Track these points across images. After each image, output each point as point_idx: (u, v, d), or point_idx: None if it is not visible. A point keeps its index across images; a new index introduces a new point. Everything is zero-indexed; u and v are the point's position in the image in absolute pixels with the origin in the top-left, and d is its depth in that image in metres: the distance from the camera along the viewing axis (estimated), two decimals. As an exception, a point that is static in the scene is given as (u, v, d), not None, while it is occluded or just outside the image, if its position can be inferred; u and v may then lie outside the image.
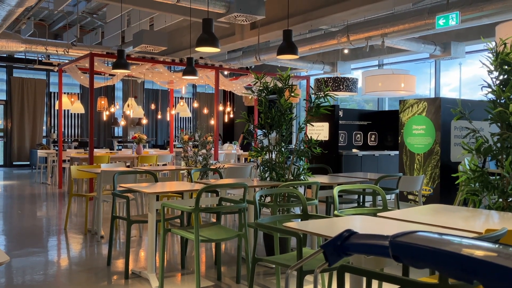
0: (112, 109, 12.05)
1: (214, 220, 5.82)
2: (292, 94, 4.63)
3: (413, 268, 0.91)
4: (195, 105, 12.73)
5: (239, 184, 3.91)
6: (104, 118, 12.69)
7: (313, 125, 5.01)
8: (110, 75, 10.06)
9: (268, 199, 4.67)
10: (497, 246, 0.79)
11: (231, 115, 12.19)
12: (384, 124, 9.85)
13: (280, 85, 4.64)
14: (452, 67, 12.18)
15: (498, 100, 3.06)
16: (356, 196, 6.06)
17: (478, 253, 0.72)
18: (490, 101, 3.08)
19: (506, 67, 3.05)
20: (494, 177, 3.05)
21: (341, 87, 10.06)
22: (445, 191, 6.38)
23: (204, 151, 5.76)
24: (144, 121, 12.43)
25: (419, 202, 5.23)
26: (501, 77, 3.10)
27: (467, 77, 11.61)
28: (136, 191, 4.26)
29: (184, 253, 4.31)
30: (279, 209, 4.33)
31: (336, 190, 3.43)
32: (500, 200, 3.03)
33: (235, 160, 10.20)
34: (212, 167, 5.66)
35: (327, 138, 8.81)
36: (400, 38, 8.34)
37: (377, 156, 9.13)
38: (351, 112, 9.92)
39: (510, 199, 2.97)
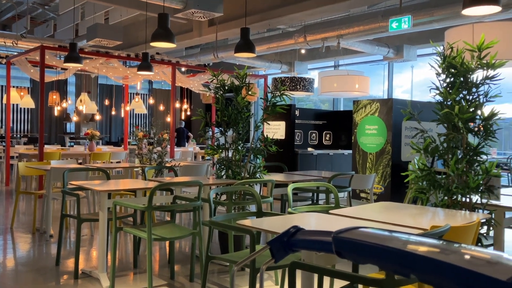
0: (64, 104, 11.65)
1: (169, 219, 5.74)
2: (249, 93, 4.63)
3: (362, 264, 0.93)
4: (151, 101, 12.52)
5: (193, 182, 3.87)
6: (56, 113, 12.25)
7: (269, 124, 5.04)
8: (62, 69, 9.72)
9: (224, 197, 4.66)
10: (433, 241, 0.82)
11: (188, 113, 12.07)
12: (339, 124, 10.06)
13: (237, 83, 4.64)
14: (405, 69, 12.59)
15: (445, 102, 3.19)
16: (310, 194, 6.15)
17: (414, 248, 0.74)
18: (438, 103, 3.20)
19: (452, 70, 3.18)
20: (440, 176, 3.17)
21: (298, 86, 10.17)
22: (396, 189, 6.59)
23: (159, 148, 5.68)
24: (98, 117, 12.10)
25: (370, 200, 5.37)
26: (448, 80, 3.23)
27: (419, 79, 12.05)
28: (87, 189, 4.14)
29: (137, 252, 4.23)
30: (234, 207, 4.33)
31: (290, 188, 3.47)
32: (446, 198, 3.16)
33: (192, 158, 10.12)
34: (167, 165, 5.59)
35: (283, 137, 8.89)
36: (355, 39, 8.52)
37: (331, 155, 9.32)
38: (307, 111, 10.06)
39: (455, 197, 3.10)
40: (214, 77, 4.61)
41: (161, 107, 12.74)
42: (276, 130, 8.96)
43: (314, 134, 9.94)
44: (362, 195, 6.93)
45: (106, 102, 13.11)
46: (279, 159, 8.01)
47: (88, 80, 14.84)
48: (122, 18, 9.55)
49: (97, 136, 8.82)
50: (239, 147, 4.58)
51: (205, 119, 4.50)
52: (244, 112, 4.54)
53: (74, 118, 11.12)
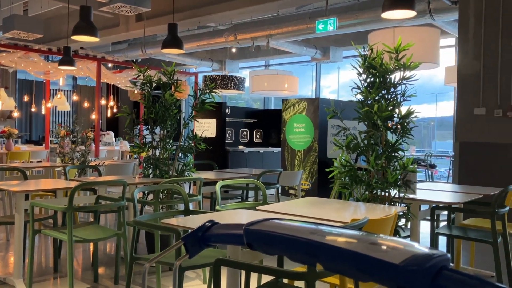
0: (-23, 100, 10.80)
1: (92, 220, 5.53)
2: (177, 89, 4.57)
3: (271, 255, 0.95)
4: (75, 98, 11.97)
5: (117, 181, 3.76)
6: (-32, 110, 11.34)
7: (198, 121, 5.00)
8: (-26, 62, 9.01)
9: (151, 196, 4.57)
10: (340, 231, 0.86)
11: (115, 110, 11.67)
12: (269, 122, 10.21)
13: (164, 79, 4.57)
14: (332, 70, 13.05)
15: (366, 101, 3.33)
16: (240, 192, 6.19)
17: (318, 237, 0.77)
18: (359, 102, 3.34)
19: (372, 70, 3.33)
20: (362, 172, 3.32)
21: (229, 85, 10.18)
22: (322, 185, 6.80)
23: (82, 147, 5.45)
24: (16, 114, 11.37)
25: (298, 196, 5.50)
26: (368, 80, 3.38)
27: (345, 80, 12.55)
28: (2, 190, 3.88)
29: (57, 256, 4.03)
30: (162, 207, 4.26)
31: (218, 186, 3.47)
32: (367, 192, 3.31)
33: (119, 157, 9.81)
34: (91, 164, 5.38)
35: (214, 135, 8.87)
36: (284, 40, 8.69)
37: (261, 152, 9.43)
38: (238, 110, 10.10)
39: (375, 191, 3.25)
40: (140, 73, 4.50)
41: (86, 104, 12.22)
42: (206, 127, 8.92)
43: (245, 132, 10.01)
44: (291, 191, 7.09)
45: (26, 99, 12.34)
46: (210, 157, 7.98)
47: (5, 74, 13.90)
48: (42, 10, 9.04)
49: (15, 134, 8.29)
50: (167, 145, 4.51)
51: (131, 116, 4.39)
52: (173, 109, 4.48)
53: (-11, 115, 10.36)
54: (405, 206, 3.30)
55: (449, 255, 0.76)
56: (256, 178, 4.82)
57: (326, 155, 6.91)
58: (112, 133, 12.12)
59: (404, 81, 3.31)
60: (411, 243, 0.81)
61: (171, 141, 4.63)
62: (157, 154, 4.59)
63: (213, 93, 4.54)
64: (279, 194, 5.47)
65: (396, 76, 3.34)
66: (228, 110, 9.44)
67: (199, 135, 4.59)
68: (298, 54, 10.42)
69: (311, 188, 6.86)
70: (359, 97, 3.37)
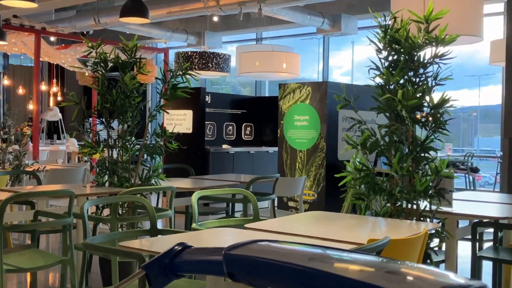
0: None
1: (30, 242, 5.51)
2: (141, 71, 4.57)
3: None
4: (6, 82, 11.91)
5: (62, 192, 3.76)
6: None
7: (168, 113, 5.00)
8: None
9: (107, 212, 4.57)
10: (352, 256, 0.86)
11: (60, 97, 11.64)
12: (262, 114, 10.22)
13: (124, 57, 4.56)
14: (344, 45, 13.10)
15: (387, 86, 3.35)
16: (225, 205, 6.19)
17: (321, 265, 0.77)
18: (378, 87, 3.36)
19: (396, 46, 3.35)
20: (382, 178, 3.33)
21: (209, 65, 10.14)
22: (331, 195, 6.83)
23: (16, 147, 5.43)
24: None
25: (300, 209, 5.52)
26: (390, 58, 3.40)
27: (361, 58, 12.61)
28: None
29: (-17, 290, 4.01)
30: (122, 225, 4.25)
31: (195, 197, 3.47)
32: (389, 204, 3.33)
33: (64, 159, 9.78)
34: (27, 169, 5.37)
35: (190, 131, 8.85)
36: (282, 5, 8.69)
37: (252, 153, 9.44)
38: (221, 97, 10.09)
39: (399, 203, 3.27)
40: (91, 49, 4.48)
41: (21, 90, 12.15)
42: (180, 121, 8.91)
43: (231, 127, 10.02)
44: (291, 203, 7.11)
45: None
46: (184, 160, 7.96)
47: None
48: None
49: None
50: (128, 144, 4.51)
51: (80, 106, 4.38)
52: (134, 97, 4.48)
53: None
54: (438, 222, 3.32)
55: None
56: (245, 187, 4.82)
57: (337, 156, 6.94)
58: (57, 109, 11.99)
59: (437, 60, 3.33)
60: (444, 273, 0.81)
61: (133, 138, 4.62)
62: (115, 156, 4.57)
63: (188, 76, 4.53)
64: (275, 208, 5.48)
65: (427, 53, 3.35)
66: (208, 98, 9.43)
67: (170, 131, 4.58)
68: (300, 25, 10.42)
69: (316, 200, 6.89)
70: (379, 80, 3.39)
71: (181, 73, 4.51)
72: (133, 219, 4.08)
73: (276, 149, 8.49)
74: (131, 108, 4.49)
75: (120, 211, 4.28)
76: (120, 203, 4.21)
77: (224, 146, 9.43)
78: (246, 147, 9.62)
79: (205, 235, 2.73)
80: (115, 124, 4.63)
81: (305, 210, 6.46)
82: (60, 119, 12.17)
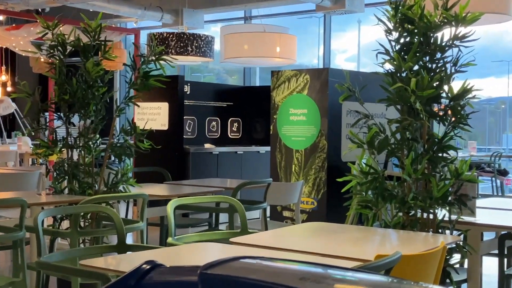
0: None
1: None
2: (106, 56, 4.56)
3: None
4: None
5: (12, 200, 3.75)
6: None
7: (138, 106, 5.00)
8: None
9: (67, 224, 4.56)
10: (355, 276, 0.85)
11: (9, 88, 11.57)
12: (252, 107, 10.21)
13: (86, 40, 4.55)
14: (349, 25, 13.13)
15: (398, 73, 3.36)
16: (208, 215, 6.19)
17: (314, 286, 0.76)
18: (388, 74, 3.37)
19: (408, 26, 3.36)
20: (392, 182, 3.34)
21: (189, 48, 10.10)
22: (334, 203, 6.83)
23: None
24: None
25: (296, 220, 5.53)
26: (402, 40, 3.41)
27: (369, 41, 12.62)
28: None
29: None
30: (83, 240, 4.24)
31: (171, 207, 3.46)
32: (401, 214, 3.34)
33: (16, 162, 9.73)
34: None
35: (165, 127, 8.85)
36: (275, -22, 8.69)
37: (240, 154, 9.44)
38: (203, 87, 10.07)
39: (412, 212, 3.28)
40: (47, 30, 4.47)
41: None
42: (153, 116, 8.89)
43: (214, 123, 10.01)
44: (286, 213, 7.12)
45: None
46: (159, 162, 7.95)
47: None
48: None
49: None
50: (91, 144, 4.50)
51: (33, 97, 4.36)
52: (99, 87, 4.47)
53: None
54: (459, 235, 3.33)
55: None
56: (232, 194, 4.82)
57: (340, 157, 6.95)
58: (9, 100, 11.91)
59: (457, 42, 3.34)
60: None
61: (98, 137, 4.61)
62: (75, 157, 4.56)
63: (163, 62, 4.52)
64: (267, 219, 5.48)
65: (445, 34, 3.36)
66: (187, 88, 9.42)
67: (141, 128, 4.57)
68: (297, 0, 10.43)
69: (316, 209, 6.90)
70: (389, 67, 3.40)
71: (154, 58, 4.50)
72: (97, 233, 4.06)
73: (268, 148, 8.48)
74: (95, 100, 4.48)
75: (82, 224, 4.27)
76: (82, 213, 4.19)
77: (207, 145, 9.42)
78: (232, 147, 9.61)
79: (183, 252, 2.73)
80: (75, 119, 4.61)
81: (303, 221, 6.47)
82: (16, 110, 12.09)
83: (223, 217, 6.00)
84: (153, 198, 4.66)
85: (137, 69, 4.55)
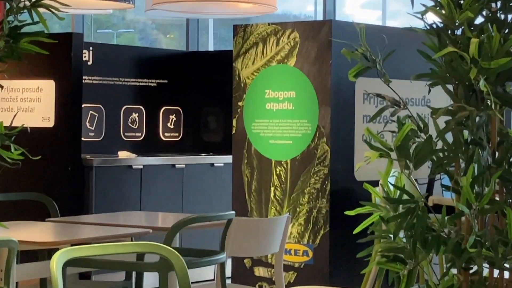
0: None
1: None
2: None
3: None
4: None
5: None
6: None
7: (2, 86, 5.01)
8: None
9: None
10: None
11: None
12: (202, 88, 10.22)
13: None
14: None
15: (450, 31, 3.39)
16: (124, 276, 6.20)
17: None
18: (431, 31, 3.39)
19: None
20: (441, 217, 3.37)
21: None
22: (342, 253, 6.87)
23: None
24: None
25: (277, 283, 5.54)
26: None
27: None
28: None
29: None
30: None
31: (58, 262, 3.46)
32: (454, 270, 3.36)
33: None
34: None
35: (51, 123, 8.79)
36: None
37: (181, 168, 9.42)
38: (116, 54, 10.06)
39: (474, 267, 3.31)
40: None
41: None
42: (29, 104, 8.84)
43: (136, 115, 9.99)
44: (259, 271, 7.13)
45: None
46: (39, 184, 7.94)
47: None
48: None
49: None
50: None
51: None
52: None
53: None
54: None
55: None
56: (165, 240, 4.83)
57: (351, 173, 6.98)
58: None
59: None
60: None
61: None
62: None
63: (43, 10, 4.53)
64: (227, 280, 5.49)
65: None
66: (88, 56, 9.39)
67: (7, 125, 4.57)
68: None
69: (312, 262, 6.91)
70: (433, 19, 3.42)
71: (29, 3, 4.51)
72: None
73: (228, 159, 8.48)
74: None
75: None
76: None
77: (122, 153, 9.36)
78: (167, 156, 9.59)
79: None
80: None
81: (290, 284, 6.49)
82: None
83: (151, 279, 6.01)
84: (28, 247, 4.65)
85: (0, 23, 4.55)
